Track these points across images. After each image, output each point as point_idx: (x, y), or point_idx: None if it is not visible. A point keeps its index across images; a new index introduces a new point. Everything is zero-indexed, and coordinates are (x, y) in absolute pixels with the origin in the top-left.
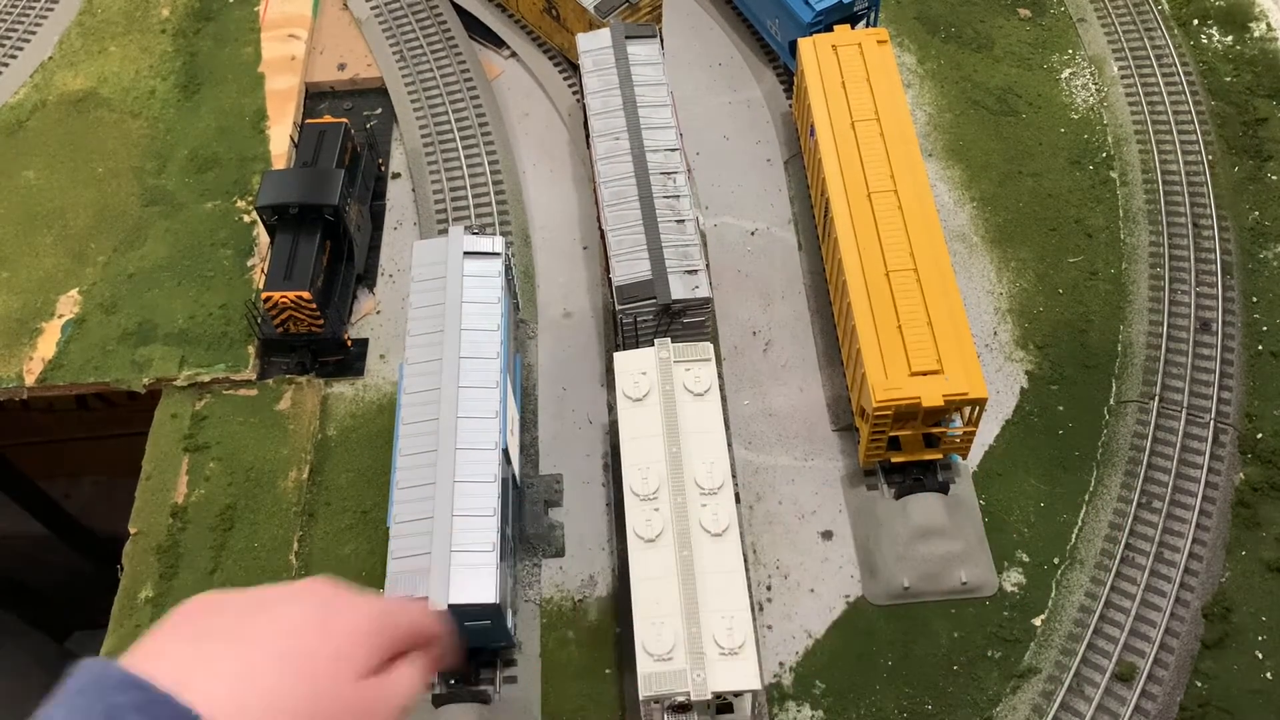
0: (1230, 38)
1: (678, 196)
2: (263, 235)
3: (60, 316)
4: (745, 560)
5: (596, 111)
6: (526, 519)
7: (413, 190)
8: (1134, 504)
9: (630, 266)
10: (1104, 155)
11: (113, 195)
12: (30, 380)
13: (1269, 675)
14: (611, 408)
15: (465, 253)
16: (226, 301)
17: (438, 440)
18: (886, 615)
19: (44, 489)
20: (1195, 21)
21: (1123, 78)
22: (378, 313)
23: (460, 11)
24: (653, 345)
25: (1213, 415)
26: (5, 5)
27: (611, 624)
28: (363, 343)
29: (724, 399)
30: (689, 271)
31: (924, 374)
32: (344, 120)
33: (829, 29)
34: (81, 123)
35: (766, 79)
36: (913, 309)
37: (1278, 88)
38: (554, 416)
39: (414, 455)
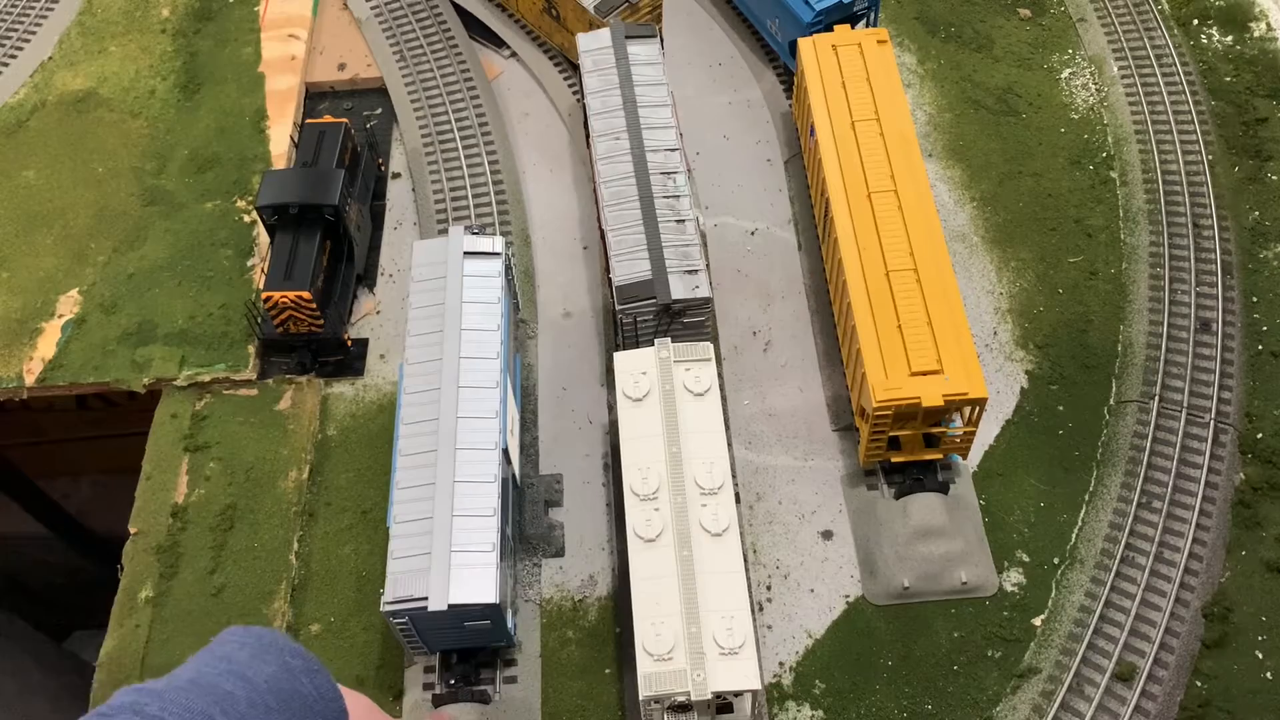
0: (1230, 38)
1: (678, 196)
2: (263, 235)
3: (60, 316)
4: (745, 560)
5: (596, 111)
6: (526, 519)
7: (413, 190)
8: (1134, 504)
9: (630, 266)
10: (1104, 155)
11: (113, 195)
12: (30, 380)
13: (1269, 675)
14: (611, 408)
15: (465, 253)
16: (226, 301)
17: (438, 440)
18: (886, 615)
19: (44, 489)
20: (1195, 21)
21: (1123, 78)
22: (378, 313)
23: (460, 11)
24: (653, 345)
25: (1213, 415)
26: (5, 5)
27: (611, 624)
28: (363, 343)
29: (724, 399)
30: (689, 271)
31: (924, 374)
32: (344, 120)
33: (829, 29)
34: (81, 123)
35: (766, 79)
36: (913, 309)
37: (1278, 88)
38: (554, 416)
39: (414, 455)
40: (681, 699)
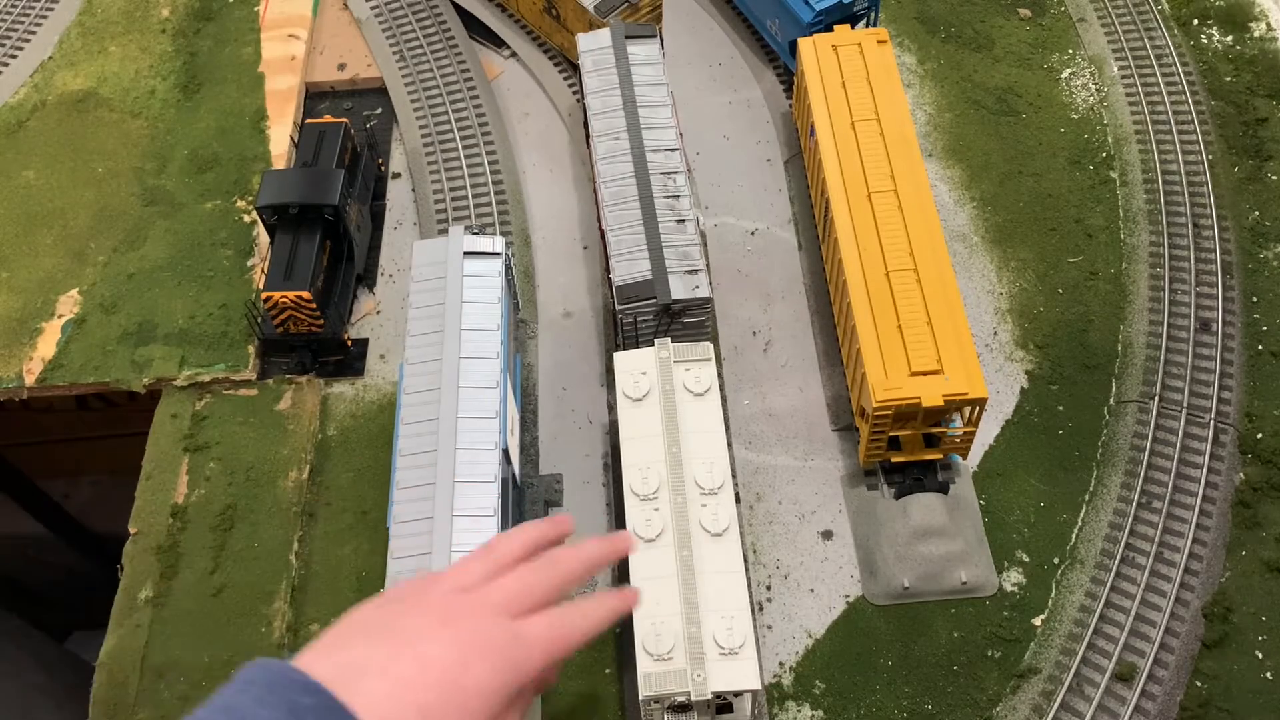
0: (1230, 38)
1: (678, 196)
2: (263, 235)
3: (60, 316)
4: (745, 560)
5: (596, 111)
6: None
7: (413, 190)
8: (1134, 504)
9: (630, 266)
10: (1104, 155)
11: (113, 195)
12: (30, 380)
13: (1269, 675)
14: (611, 408)
15: (465, 253)
16: (226, 301)
17: (438, 440)
18: (886, 615)
19: (44, 489)
20: (1195, 21)
21: (1123, 78)
22: (378, 313)
23: (460, 11)
24: (653, 345)
25: (1213, 415)
26: (5, 5)
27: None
28: (363, 343)
29: (724, 399)
30: (689, 271)
31: (924, 374)
32: (344, 120)
33: (829, 29)
34: (81, 123)
35: (766, 79)
36: (913, 309)
37: (1278, 88)
38: (554, 416)
39: (414, 455)
40: (681, 699)
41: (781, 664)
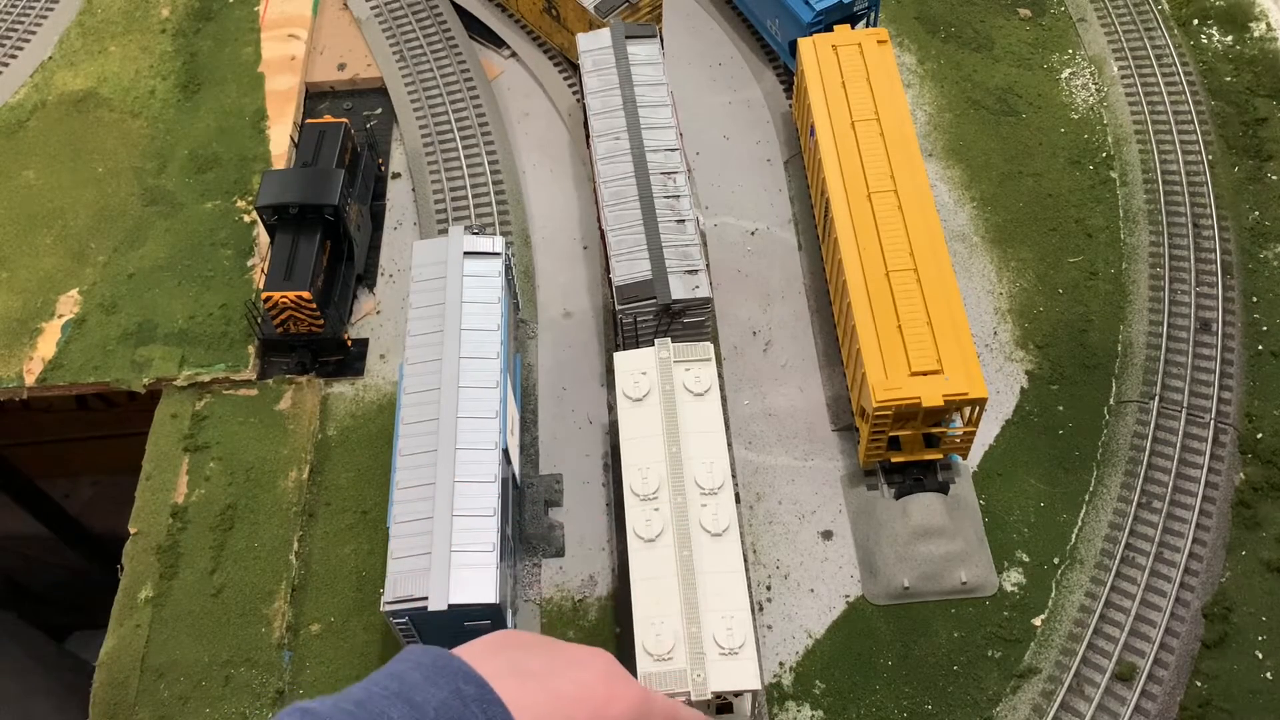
0: (1230, 38)
1: (678, 196)
2: (263, 235)
3: (60, 316)
4: (745, 560)
5: (596, 111)
6: (526, 519)
7: (413, 190)
8: (1134, 504)
9: (630, 266)
10: (1104, 155)
11: (113, 195)
12: (30, 380)
13: (1269, 675)
14: (611, 408)
15: (465, 253)
16: (226, 301)
17: (438, 440)
18: (886, 615)
19: (44, 489)
20: (1195, 21)
21: (1123, 78)
22: (378, 313)
23: (460, 11)
24: (653, 345)
25: (1213, 415)
26: (5, 5)
27: (611, 624)
28: (363, 343)
29: (724, 399)
30: (689, 271)
31: (924, 374)
32: (344, 120)
33: (829, 29)
34: (81, 123)
35: (766, 79)
36: (913, 309)
37: (1278, 88)
38: (554, 416)
39: (414, 455)
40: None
41: (781, 664)
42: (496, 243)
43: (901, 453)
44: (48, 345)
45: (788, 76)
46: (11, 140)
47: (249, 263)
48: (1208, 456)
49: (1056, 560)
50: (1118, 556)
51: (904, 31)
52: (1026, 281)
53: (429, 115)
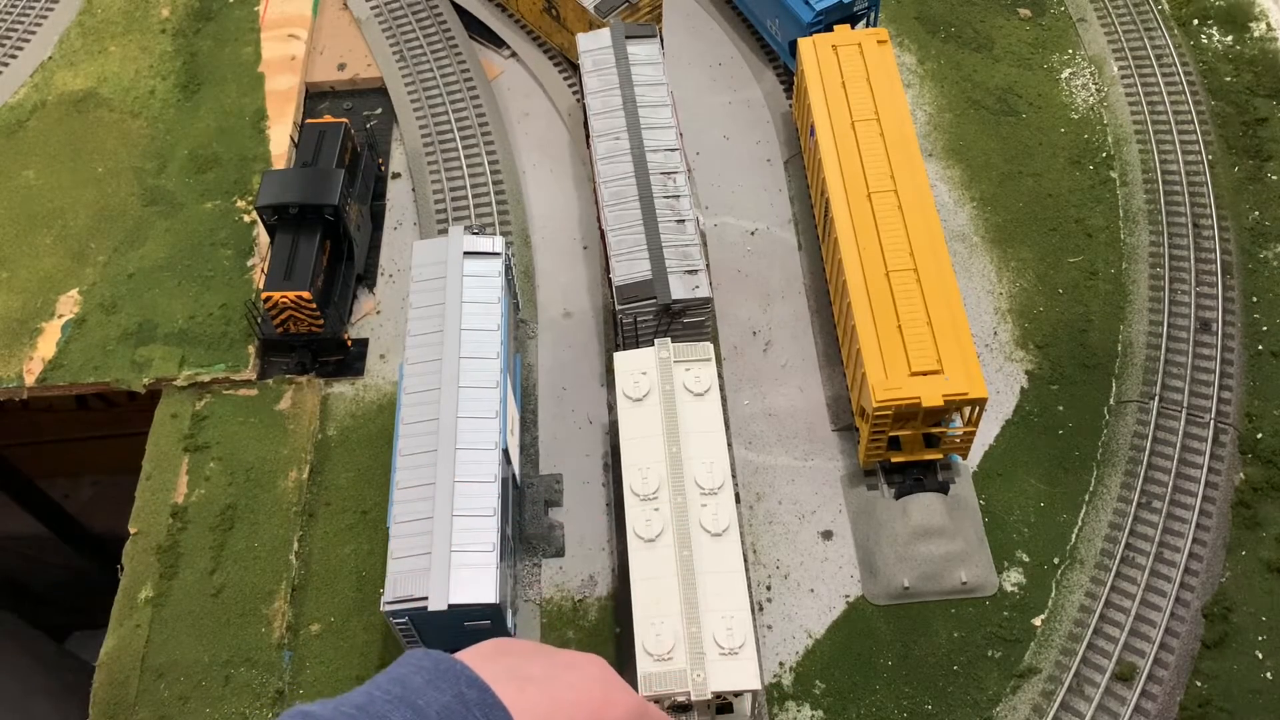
0: (1230, 38)
1: (678, 196)
2: (263, 235)
3: (60, 316)
4: (745, 560)
5: (596, 111)
6: (526, 519)
7: (413, 190)
8: (1134, 504)
9: (630, 266)
10: (1104, 155)
11: (113, 195)
12: (30, 380)
13: (1269, 675)
14: (611, 408)
15: (465, 253)
16: (226, 301)
17: (438, 440)
18: (886, 615)
19: (44, 489)
20: (1195, 21)
21: (1123, 78)
22: (378, 313)
23: (460, 11)
24: (653, 345)
25: (1213, 415)
26: (5, 5)
27: (611, 624)
28: (363, 343)
29: (724, 399)
30: (689, 271)
31: (924, 374)
32: (344, 120)
33: (829, 29)
34: (81, 123)
35: (766, 79)
36: (913, 309)
37: (1278, 88)
38: (554, 416)
39: (414, 455)
40: (681, 699)
41: (781, 664)
42: (496, 243)
43: (901, 453)
44: (48, 345)
45: (788, 76)
46: (11, 140)
47: (249, 263)
48: (1208, 456)
49: (1056, 560)
50: (1118, 556)
51: (904, 31)
52: (1026, 281)
53: (429, 115)
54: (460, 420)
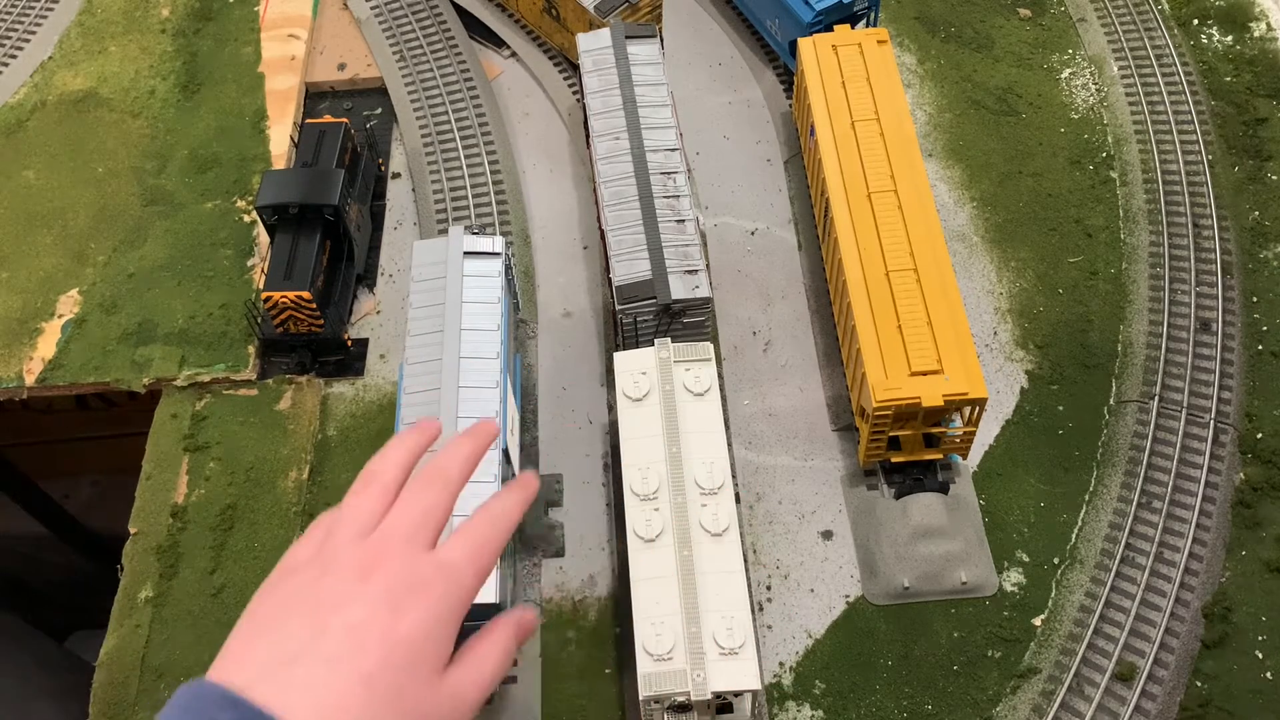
0: (1230, 38)
1: (678, 196)
2: (263, 235)
3: (60, 316)
4: (745, 560)
5: (596, 111)
6: (526, 519)
7: (413, 190)
8: (1134, 504)
9: (630, 266)
10: (1104, 155)
11: (113, 195)
12: (30, 380)
13: (1269, 675)
14: (611, 408)
15: (465, 253)
16: (226, 301)
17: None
18: (886, 615)
19: (44, 489)
20: (1195, 21)
21: (1123, 78)
22: (378, 313)
23: (460, 11)
24: (653, 345)
25: (1213, 415)
26: (5, 5)
27: (611, 624)
28: (363, 343)
29: (724, 399)
30: (689, 271)
31: (924, 374)
32: (344, 120)
33: (829, 29)
34: (81, 123)
35: (766, 79)
36: (913, 309)
37: (1278, 88)
38: (554, 416)
39: None
40: (681, 699)
41: (781, 664)
42: (496, 243)
43: (901, 453)
44: (48, 345)
45: (788, 76)
46: (11, 140)
47: (249, 263)
48: (1208, 456)
49: (1056, 560)
50: (1118, 556)
51: (904, 31)
52: (1026, 281)
53: (429, 115)
54: (460, 420)
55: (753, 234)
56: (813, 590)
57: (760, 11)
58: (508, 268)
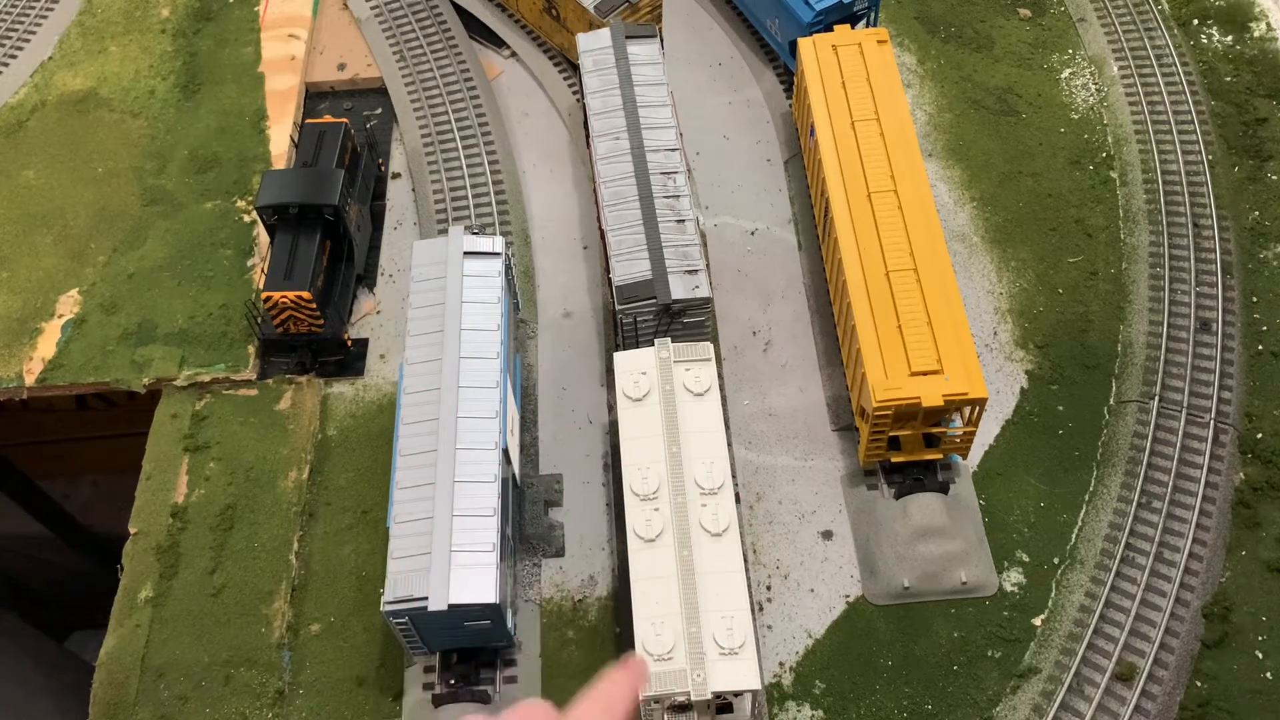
0: (1230, 38)
1: (678, 196)
2: (263, 235)
3: (60, 316)
4: (745, 560)
5: (596, 111)
6: (526, 519)
7: (413, 190)
8: (1134, 504)
9: (630, 266)
10: (1104, 155)
11: (113, 195)
12: (30, 380)
13: (1269, 675)
14: (611, 408)
15: (465, 253)
16: (226, 301)
17: (438, 440)
18: (886, 615)
19: (44, 489)
20: (1195, 21)
21: (1123, 78)
22: (378, 313)
23: (460, 11)
24: (653, 345)
25: (1213, 415)
26: (5, 5)
27: (611, 624)
28: (363, 343)
29: (724, 399)
30: (689, 271)
31: (924, 374)
32: (344, 120)
33: (829, 29)
34: (81, 123)
35: (766, 79)
36: (913, 309)
37: (1278, 88)
38: (554, 416)
39: (414, 455)
40: (681, 699)
41: (781, 664)
42: (496, 243)
43: (901, 453)
44: (48, 345)
45: (788, 76)
46: (11, 140)
47: (249, 263)
48: (1208, 456)
49: (1056, 560)
50: (1118, 556)
51: (904, 31)
52: (1026, 281)
53: (429, 115)
54: (460, 420)
55: (753, 234)
56: (813, 590)
57: (760, 11)
58: (508, 268)
